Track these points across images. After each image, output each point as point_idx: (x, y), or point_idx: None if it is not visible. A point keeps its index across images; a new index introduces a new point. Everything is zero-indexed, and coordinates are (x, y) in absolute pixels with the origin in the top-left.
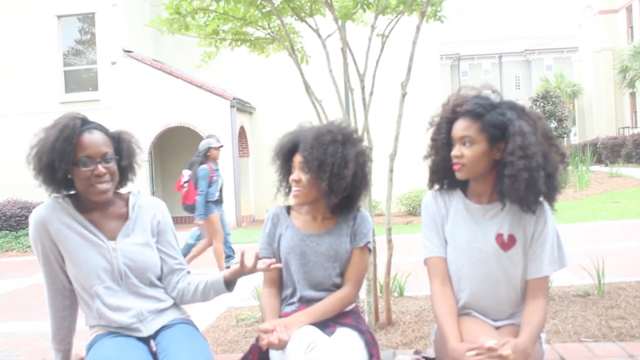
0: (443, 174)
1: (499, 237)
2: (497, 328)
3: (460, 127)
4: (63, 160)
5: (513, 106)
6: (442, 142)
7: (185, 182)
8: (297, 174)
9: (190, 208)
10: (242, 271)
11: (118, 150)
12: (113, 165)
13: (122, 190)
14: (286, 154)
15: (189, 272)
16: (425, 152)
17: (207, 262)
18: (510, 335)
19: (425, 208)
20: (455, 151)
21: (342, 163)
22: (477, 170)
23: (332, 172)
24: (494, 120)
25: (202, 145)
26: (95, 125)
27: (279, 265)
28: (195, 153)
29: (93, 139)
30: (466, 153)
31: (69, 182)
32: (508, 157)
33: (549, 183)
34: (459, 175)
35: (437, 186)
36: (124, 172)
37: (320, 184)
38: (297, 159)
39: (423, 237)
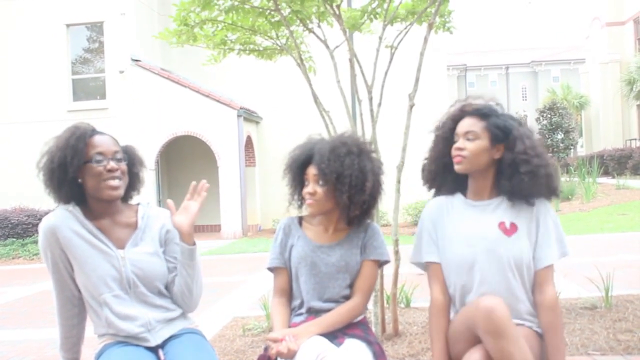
0: (442, 178)
1: (501, 224)
2: None
3: (466, 124)
4: (76, 156)
5: (512, 118)
6: (443, 141)
7: None
8: (312, 187)
9: None
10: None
11: (128, 157)
12: (124, 165)
13: (133, 202)
14: (299, 167)
15: None
16: (424, 158)
17: (230, 269)
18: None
19: (428, 212)
20: (458, 144)
21: (360, 175)
22: (477, 164)
23: (350, 184)
24: (498, 122)
25: None
26: (104, 132)
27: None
28: None
29: (104, 139)
30: (468, 146)
31: (79, 188)
32: (521, 157)
33: (556, 180)
34: (458, 168)
35: (434, 190)
36: (133, 180)
37: (340, 197)
38: (312, 171)
39: (418, 240)
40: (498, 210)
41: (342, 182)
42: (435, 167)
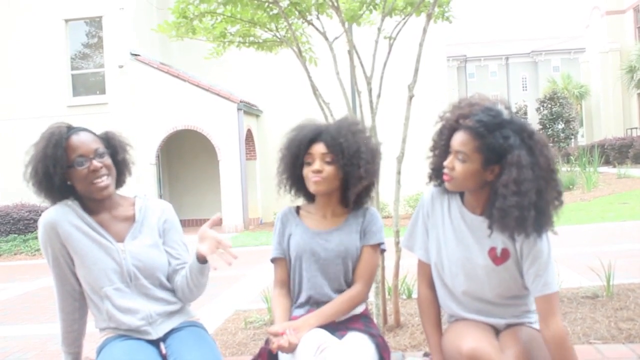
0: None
1: (491, 251)
2: (502, 330)
3: (458, 141)
4: (57, 164)
5: (520, 129)
6: (441, 149)
7: None
8: (319, 165)
9: None
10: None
11: (110, 146)
12: (107, 159)
13: (130, 195)
14: (300, 147)
15: None
16: (429, 147)
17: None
18: (513, 338)
19: (426, 201)
20: (448, 162)
21: (374, 151)
22: (466, 186)
23: (366, 159)
24: (493, 143)
25: None
26: (80, 128)
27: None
28: None
29: (81, 139)
30: (457, 168)
31: (70, 189)
32: (501, 189)
33: (538, 220)
34: (447, 186)
35: (434, 182)
36: (121, 167)
37: (355, 171)
38: (319, 150)
39: (412, 226)
40: (492, 230)
41: (359, 157)
42: (435, 167)
